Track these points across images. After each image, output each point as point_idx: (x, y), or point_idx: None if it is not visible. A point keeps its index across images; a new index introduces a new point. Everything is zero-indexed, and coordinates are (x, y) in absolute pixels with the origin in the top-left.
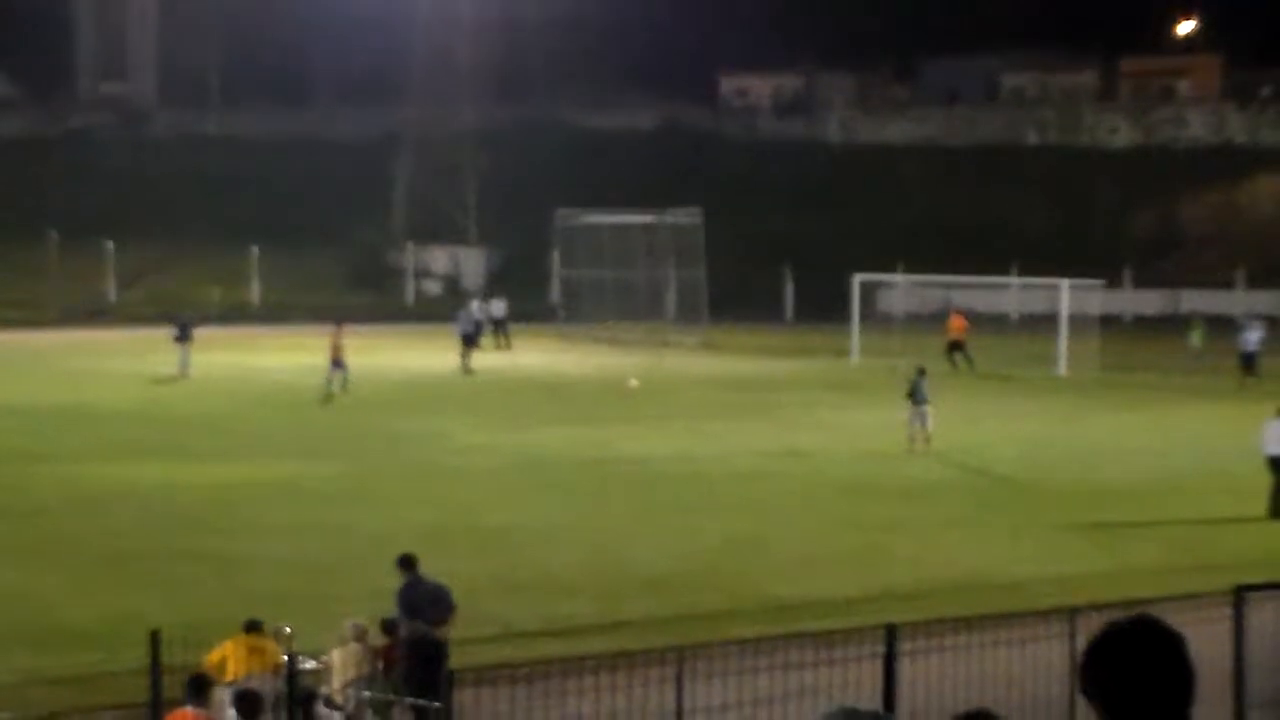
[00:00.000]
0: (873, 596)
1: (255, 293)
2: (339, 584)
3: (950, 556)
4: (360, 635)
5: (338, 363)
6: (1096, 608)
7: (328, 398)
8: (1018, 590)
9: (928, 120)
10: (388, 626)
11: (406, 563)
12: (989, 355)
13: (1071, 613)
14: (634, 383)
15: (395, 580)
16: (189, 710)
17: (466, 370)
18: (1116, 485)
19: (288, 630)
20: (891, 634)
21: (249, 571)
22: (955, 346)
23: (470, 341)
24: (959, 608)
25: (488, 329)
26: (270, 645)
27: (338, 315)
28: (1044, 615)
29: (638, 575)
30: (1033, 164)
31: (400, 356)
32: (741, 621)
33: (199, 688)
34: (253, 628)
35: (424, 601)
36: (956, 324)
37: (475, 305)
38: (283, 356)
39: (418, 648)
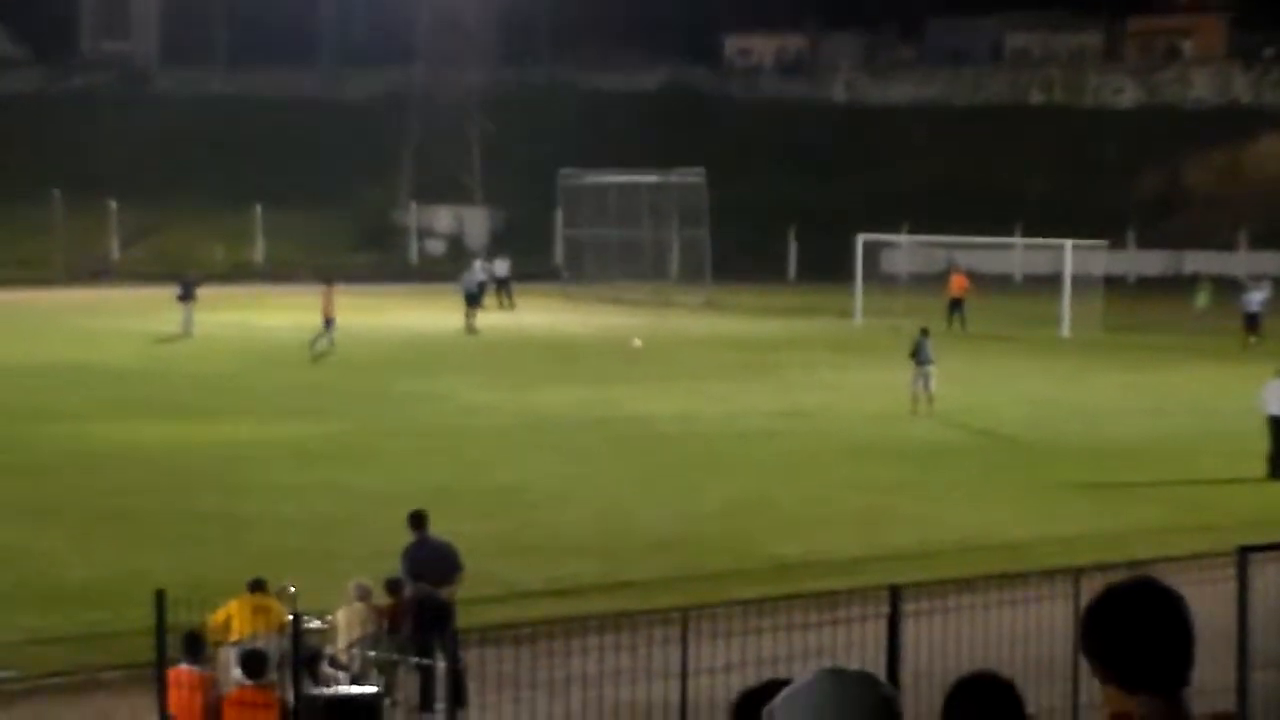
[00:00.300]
0: (877, 557)
1: (259, 252)
2: (343, 543)
3: (954, 517)
4: (365, 595)
5: (329, 321)
6: (1100, 568)
7: (319, 356)
8: (1021, 551)
9: (933, 81)
10: (392, 586)
11: (417, 520)
12: (992, 316)
13: (1075, 573)
14: (638, 343)
15: (400, 540)
16: (185, 667)
17: (471, 330)
18: (1119, 446)
19: (292, 589)
20: (895, 595)
21: (254, 531)
22: (956, 305)
23: (474, 301)
24: (963, 568)
25: (491, 288)
26: (275, 605)
27: (328, 274)
28: (1048, 575)
29: (642, 536)
30: (1037, 124)
31: (404, 316)
32: (745, 582)
33: (194, 645)
34: (257, 587)
35: (430, 561)
36: (958, 282)
37: (479, 265)
38: (287, 316)
39: (423, 608)
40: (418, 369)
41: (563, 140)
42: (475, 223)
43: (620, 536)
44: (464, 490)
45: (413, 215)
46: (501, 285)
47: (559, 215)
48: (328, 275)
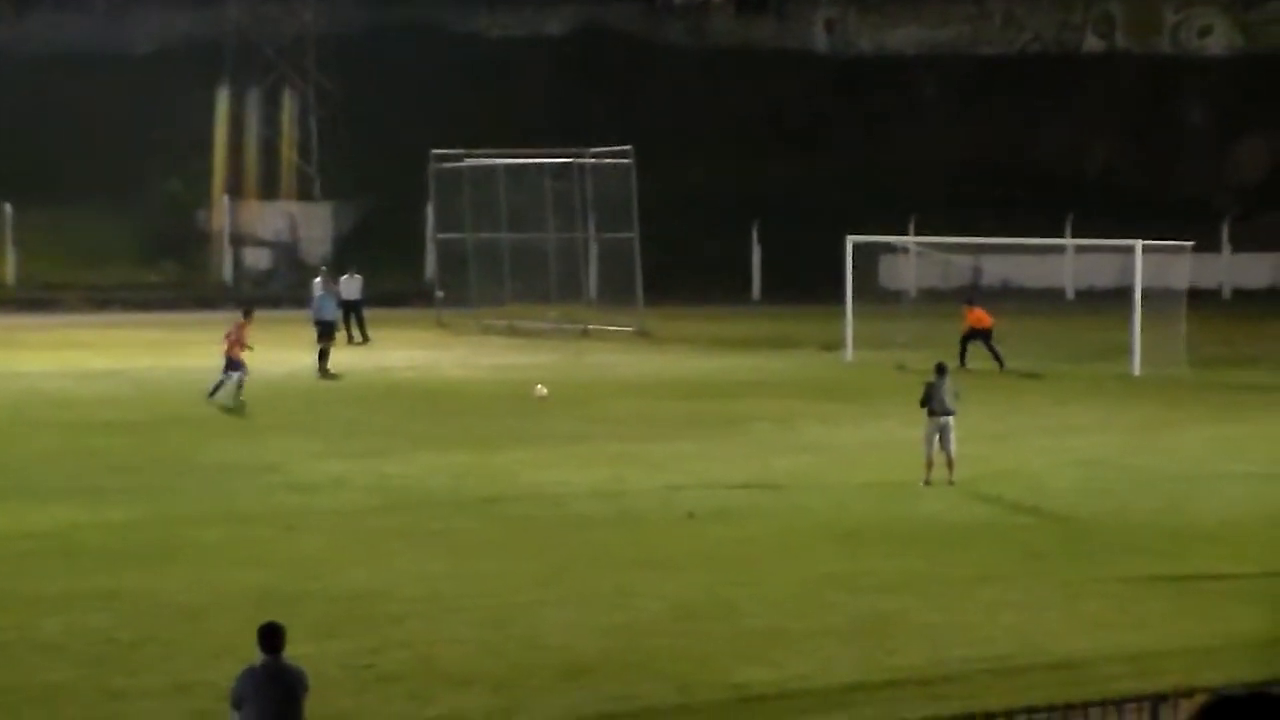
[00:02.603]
0: (877, 683)
1: (10, 268)
2: (133, 675)
3: (983, 626)
4: None
5: (234, 363)
6: (1186, 694)
7: (239, 407)
8: (1078, 672)
9: (950, 20)
10: None
11: (270, 637)
12: (1035, 347)
13: (1153, 702)
14: (542, 390)
15: (216, 670)
16: None
17: (324, 373)
18: (1211, 525)
19: None
20: None
21: (6, 661)
22: (975, 335)
23: (331, 333)
24: (997, 697)
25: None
26: None
27: (247, 302)
28: (1116, 706)
29: (550, 658)
30: (1095, 79)
31: (215, 355)
32: None
33: None
34: None
35: (271, 699)
36: (975, 318)
37: (319, 284)
38: (52, 357)
39: None
40: (235, 430)
41: (435, 108)
42: (314, 225)
43: (519, 660)
44: (301, 597)
45: (225, 215)
46: (351, 311)
47: (430, 213)
48: (247, 305)
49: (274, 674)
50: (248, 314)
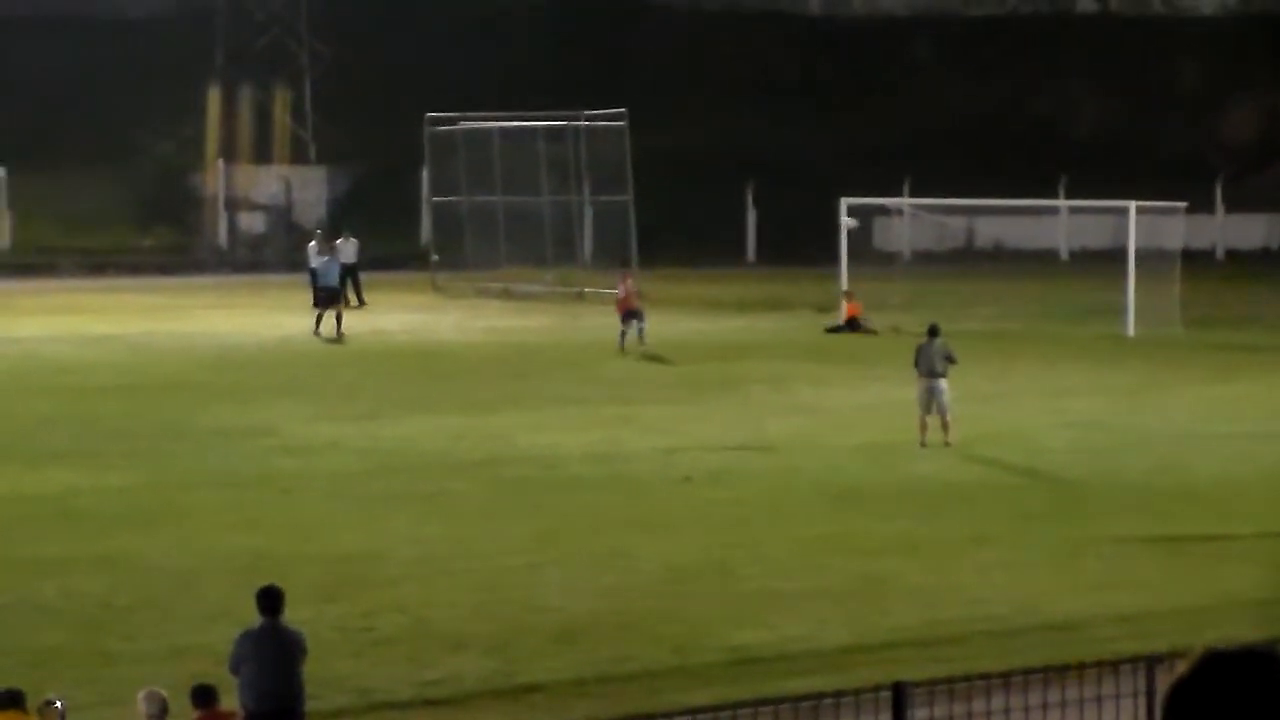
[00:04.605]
0: (872, 645)
1: (6, 232)
2: (129, 639)
3: (978, 588)
4: (159, 710)
5: (630, 313)
6: (1181, 655)
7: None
8: (1072, 633)
9: None
10: (199, 696)
11: (269, 600)
12: (1028, 307)
13: (1148, 663)
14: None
15: (211, 634)
16: None
17: (334, 335)
18: (1207, 485)
19: (58, 704)
20: (900, 697)
21: (3, 624)
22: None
23: (336, 297)
24: (992, 659)
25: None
26: None
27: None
28: (1111, 667)
29: (546, 621)
30: (1088, 40)
31: (209, 320)
32: (691, 683)
33: None
34: (11, 702)
35: (270, 661)
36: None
37: (313, 247)
38: (48, 322)
39: None
40: (230, 394)
41: (428, 72)
42: (309, 188)
43: (515, 623)
44: (296, 561)
45: (220, 179)
46: (347, 274)
47: (425, 176)
48: (625, 263)
49: (273, 637)
50: (625, 264)
